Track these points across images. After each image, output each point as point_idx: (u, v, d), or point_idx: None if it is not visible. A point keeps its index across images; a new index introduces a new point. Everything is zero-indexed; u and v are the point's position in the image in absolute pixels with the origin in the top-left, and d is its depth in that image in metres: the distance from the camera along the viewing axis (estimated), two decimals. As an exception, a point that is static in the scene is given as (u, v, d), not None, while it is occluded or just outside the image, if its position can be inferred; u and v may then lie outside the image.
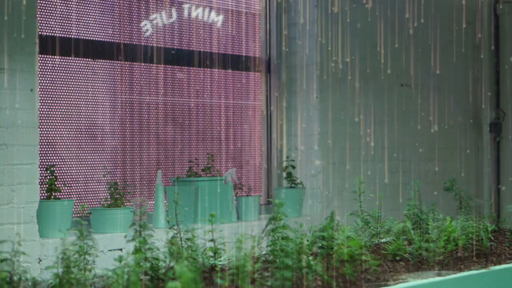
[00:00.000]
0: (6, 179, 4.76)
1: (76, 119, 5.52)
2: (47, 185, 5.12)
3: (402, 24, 7.21)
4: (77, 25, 5.49)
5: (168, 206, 5.50)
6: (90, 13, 5.58)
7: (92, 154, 5.61)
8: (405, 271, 3.62)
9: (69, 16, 5.45)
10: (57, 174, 5.24)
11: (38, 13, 5.13)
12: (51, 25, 5.35)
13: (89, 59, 5.56)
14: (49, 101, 5.35)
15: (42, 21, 5.27)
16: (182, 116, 6.12)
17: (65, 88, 5.45)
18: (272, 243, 3.52)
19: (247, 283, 2.94)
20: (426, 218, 4.38)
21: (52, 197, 5.11)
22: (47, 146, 5.33)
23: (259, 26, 6.67)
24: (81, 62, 5.53)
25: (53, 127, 5.38)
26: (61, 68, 5.42)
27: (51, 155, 5.36)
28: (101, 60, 5.63)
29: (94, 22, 5.60)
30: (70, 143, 5.48)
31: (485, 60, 8.16)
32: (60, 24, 5.40)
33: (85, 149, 5.57)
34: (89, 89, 5.58)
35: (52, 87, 5.38)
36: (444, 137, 7.75)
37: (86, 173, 5.56)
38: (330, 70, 6.65)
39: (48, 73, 5.34)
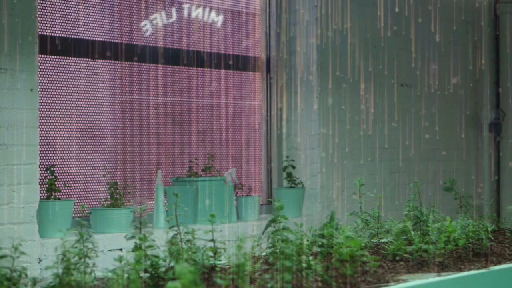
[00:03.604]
0: (6, 179, 4.76)
1: (76, 119, 5.52)
2: (47, 185, 5.12)
3: (403, 24, 7.20)
4: (77, 25, 5.49)
5: (168, 206, 5.50)
6: (90, 13, 5.58)
7: (92, 154, 5.61)
8: (405, 271, 3.62)
9: (69, 16, 5.45)
10: (57, 174, 5.24)
11: (38, 13, 5.13)
12: (51, 25, 5.35)
13: (89, 59, 5.56)
14: (49, 101, 5.35)
15: (42, 21, 5.27)
16: (182, 116, 6.12)
17: (65, 88, 5.45)
18: (272, 245, 3.52)
19: (247, 283, 2.94)
20: (426, 218, 4.38)
21: (52, 197, 5.11)
22: (47, 146, 5.33)
23: (259, 26, 6.67)
24: (81, 62, 5.53)
25: (53, 127, 5.38)
26: (61, 68, 5.42)
27: (51, 155, 5.36)
28: (101, 60, 5.63)
29: (94, 22, 5.60)
30: (70, 143, 5.48)
31: (485, 60, 8.16)
32: (60, 24, 5.40)
33: (85, 149, 5.57)
34: (89, 89, 5.59)
35: (52, 87, 5.38)
36: (444, 137, 7.75)
37: (86, 173, 5.56)
38: (330, 70, 6.65)
39: (48, 73, 5.34)
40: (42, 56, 5.26)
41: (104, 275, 3.18)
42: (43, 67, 5.29)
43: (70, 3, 5.46)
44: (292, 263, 2.97)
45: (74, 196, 5.44)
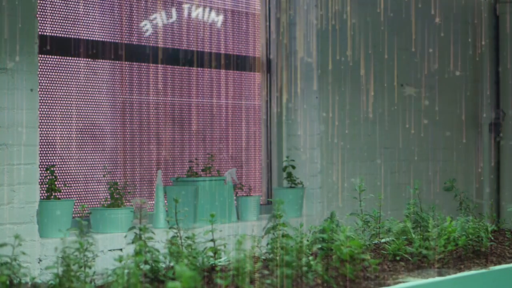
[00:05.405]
0: (6, 179, 4.76)
1: (76, 119, 5.52)
2: (47, 185, 5.12)
3: (403, 24, 7.21)
4: (77, 25, 5.49)
5: (168, 206, 5.50)
6: (90, 13, 5.58)
7: (92, 154, 5.61)
8: (405, 271, 3.62)
9: (69, 16, 5.45)
10: (57, 174, 5.24)
11: (38, 13, 5.13)
12: (51, 25, 5.35)
13: (89, 59, 5.56)
14: (49, 101, 5.35)
15: (42, 21, 5.27)
16: (182, 116, 6.12)
17: (65, 88, 5.45)
18: (272, 241, 3.52)
19: (247, 283, 2.94)
20: (426, 218, 4.38)
21: (52, 197, 5.11)
22: (47, 146, 5.33)
23: (259, 26, 6.67)
24: (81, 62, 5.53)
25: (53, 127, 5.38)
26: (61, 68, 5.42)
27: (51, 155, 5.36)
28: (101, 60, 5.63)
29: (94, 22, 5.60)
30: (70, 143, 5.48)
31: (485, 60, 8.16)
32: (60, 24, 5.40)
33: (85, 149, 5.57)
34: (89, 89, 5.59)
35: (52, 87, 5.38)
36: (444, 137, 7.75)
37: (86, 173, 5.56)
38: (330, 70, 6.65)
39: (48, 73, 5.34)
40: (42, 56, 5.26)
41: (104, 282, 3.17)
42: (43, 67, 5.28)
43: (70, 3, 5.46)
44: (292, 270, 2.96)
45: (74, 196, 5.44)
